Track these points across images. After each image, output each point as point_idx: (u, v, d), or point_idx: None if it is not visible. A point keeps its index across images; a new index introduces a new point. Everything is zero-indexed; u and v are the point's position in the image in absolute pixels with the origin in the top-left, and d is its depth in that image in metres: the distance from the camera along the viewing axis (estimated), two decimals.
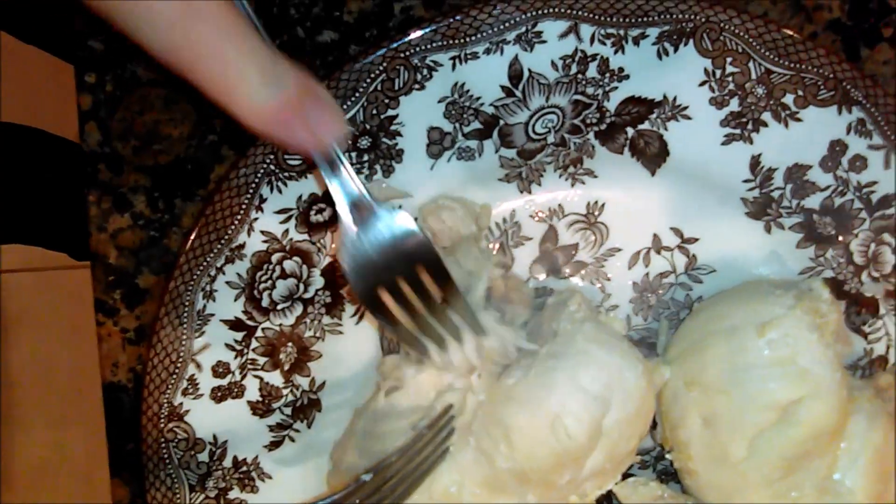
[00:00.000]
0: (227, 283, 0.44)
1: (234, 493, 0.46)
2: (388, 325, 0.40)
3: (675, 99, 0.44)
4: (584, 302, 0.43)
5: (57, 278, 1.26)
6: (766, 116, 0.44)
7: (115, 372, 0.49)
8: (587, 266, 0.46)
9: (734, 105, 0.44)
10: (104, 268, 0.48)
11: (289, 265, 0.45)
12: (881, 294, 0.44)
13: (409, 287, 0.39)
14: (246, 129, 0.30)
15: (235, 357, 0.45)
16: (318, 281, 0.46)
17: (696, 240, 0.46)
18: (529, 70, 0.45)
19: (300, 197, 0.45)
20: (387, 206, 0.38)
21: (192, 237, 0.44)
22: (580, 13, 0.44)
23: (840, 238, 0.44)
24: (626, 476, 0.45)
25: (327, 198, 0.45)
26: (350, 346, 0.46)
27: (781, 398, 0.39)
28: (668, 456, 0.44)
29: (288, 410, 0.46)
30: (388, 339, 0.47)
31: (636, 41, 0.44)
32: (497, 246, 0.47)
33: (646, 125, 0.45)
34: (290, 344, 0.46)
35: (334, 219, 0.46)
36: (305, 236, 0.45)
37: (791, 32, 0.43)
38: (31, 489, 1.25)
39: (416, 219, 0.43)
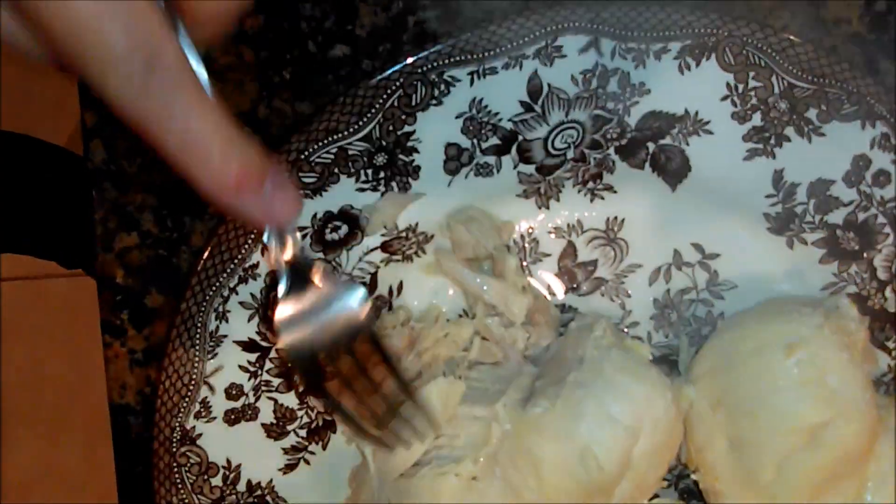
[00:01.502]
0: (241, 303, 0.43)
1: None
2: (329, 407, 0.39)
3: (696, 113, 0.44)
4: (609, 327, 0.42)
5: (50, 287, 1.25)
6: (790, 131, 0.43)
7: (122, 394, 0.48)
8: (607, 282, 0.46)
9: (756, 120, 0.43)
10: (111, 288, 0.47)
11: None
12: None
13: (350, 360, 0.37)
14: (199, 196, 0.28)
15: (249, 379, 0.44)
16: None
17: (718, 255, 0.45)
18: (549, 85, 0.44)
19: (315, 215, 0.44)
20: (340, 284, 0.36)
21: (205, 257, 0.43)
22: (601, 27, 0.43)
23: (864, 254, 0.43)
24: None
25: (342, 215, 0.45)
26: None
27: (810, 420, 0.39)
28: (693, 476, 0.43)
29: (303, 432, 0.45)
30: (396, 358, 0.46)
31: (657, 55, 0.43)
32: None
33: (667, 140, 0.44)
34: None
35: (350, 237, 0.45)
36: (320, 255, 0.44)
37: (813, 47, 0.43)
38: (22, 500, 1.23)
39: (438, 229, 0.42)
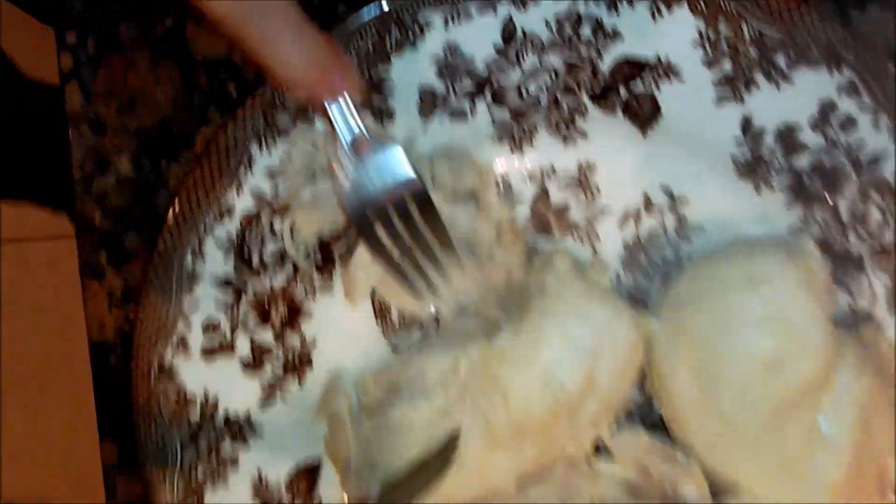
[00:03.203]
0: (217, 243, 0.44)
1: (226, 450, 0.46)
2: (379, 256, 0.42)
3: (667, 59, 0.44)
4: (569, 259, 0.43)
5: (37, 250, 1.24)
6: (758, 77, 0.44)
7: (101, 332, 0.48)
8: (579, 227, 0.46)
9: (726, 66, 0.44)
10: (89, 230, 0.47)
11: (278, 225, 0.45)
12: (867, 252, 0.45)
13: (401, 222, 0.41)
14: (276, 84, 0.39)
15: (226, 316, 0.45)
16: (308, 241, 0.45)
17: (687, 200, 0.46)
18: (523, 30, 0.44)
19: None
20: (385, 147, 0.39)
21: (181, 197, 0.43)
22: None
23: (828, 198, 0.44)
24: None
25: None
26: (341, 306, 0.46)
27: (770, 353, 0.40)
28: (656, 407, 0.45)
29: (279, 369, 0.46)
30: (380, 303, 0.47)
31: (630, 1, 0.44)
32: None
33: (638, 86, 0.45)
34: (280, 303, 0.45)
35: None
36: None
37: None
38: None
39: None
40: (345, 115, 0.38)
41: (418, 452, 0.42)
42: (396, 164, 0.40)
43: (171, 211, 0.43)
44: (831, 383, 0.41)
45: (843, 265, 0.45)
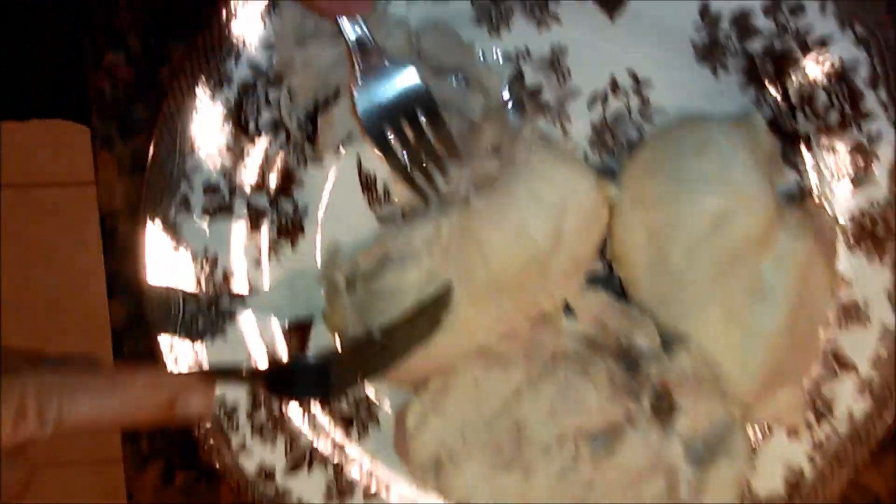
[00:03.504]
0: (217, 107, 0.48)
1: (225, 304, 0.51)
2: (390, 161, 0.48)
3: None
4: (536, 129, 0.48)
5: (52, 196, 1.26)
6: None
7: (111, 199, 0.53)
8: (550, 107, 0.50)
9: None
10: (101, 101, 0.51)
11: (273, 94, 0.49)
12: (814, 132, 0.48)
13: (410, 128, 0.47)
14: None
15: (224, 178, 0.49)
16: (300, 111, 0.49)
17: (650, 83, 0.50)
18: None
19: None
20: (396, 61, 0.46)
21: (184, 63, 0.47)
22: None
23: (778, 80, 0.48)
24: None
25: None
26: (331, 176, 0.51)
27: (715, 209, 0.44)
28: (616, 273, 0.49)
29: (274, 232, 0.51)
30: (366, 176, 0.51)
31: None
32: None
33: None
34: (274, 170, 0.50)
35: None
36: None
37: None
38: None
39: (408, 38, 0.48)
40: (359, 32, 0.43)
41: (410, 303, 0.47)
42: (407, 78, 0.45)
43: (173, 75, 0.47)
44: (774, 242, 0.45)
45: (792, 145, 0.49)
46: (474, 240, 0.46)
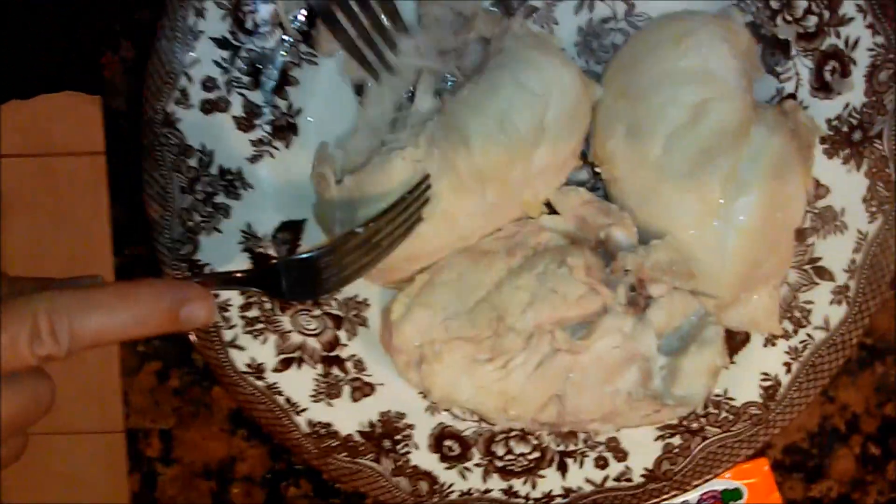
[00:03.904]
0: (216, 2, 0.50)
1: (220, 199, 0.53)
2: (342, 42, 0.48)
3: None
4: (526, 23, 0.49)
5: (55, 164, 1.27)
6: None
7: (115, 100, 0.55)
8: (538, 10, 0.52)
9: None
10: (107, 2, 0.54)
11: None
12: (793, 37, 0.50)
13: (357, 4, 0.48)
14: None
15: (222, 73, 0.51)
16: (296, 8, 0.51)
17: None
18: None
19: None
20: None
21: None
22: None
23: None
24: None
25: None
26: (325, 77, 0.52)
27: (692, 99, 0.46)
28: (597, 170, 0.51)
29: (268, 128, 0.52)
30: (356, 76, 0.53)
31: None
32: None
33: None
34: (270, 66, 0.52)
35: None
36: None
37: None
38: None
39: None
40: None
41: (396, 193, 0.48)
42: None
43: None
44: (750, 137, 0.47)
45: (772, 50, 0.51)
46: (458, 129, 0.48)
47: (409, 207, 0.48)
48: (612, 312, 0.48)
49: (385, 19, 0.50)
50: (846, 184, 0.52)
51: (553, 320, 0.48)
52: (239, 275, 0.45)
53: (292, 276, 0.45)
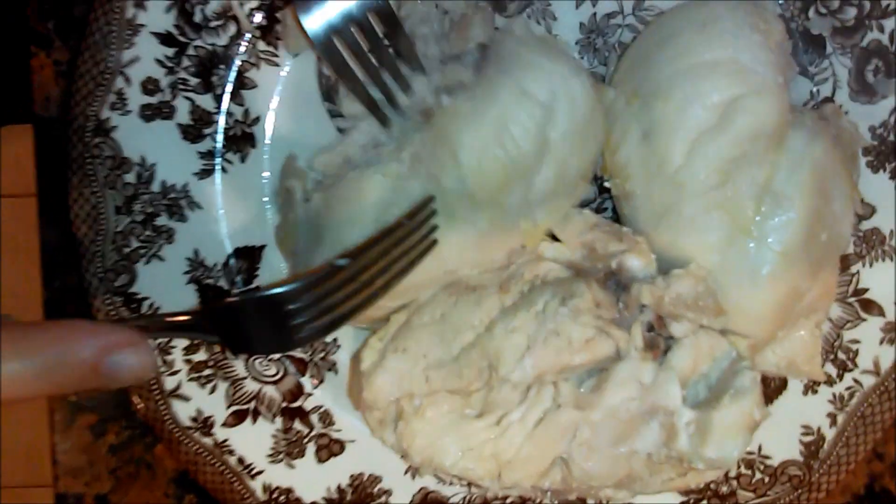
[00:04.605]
0: None
1: (162, 220, 0.45)
2: (344, 78, 0.42)
3: None
4: (528, 26, 0.42)
5: None
6: None
7: (47, 107, 0.48)
8: (534, 4, 0.45)
9: None
10: None
11: None
12: (828, 31, 0.43)
13: (362, 34, 0.41)
14: None
15: (166, 74, 0.44)
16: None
17: None
18: None
19: None
20: None
21: None
22: None
23: None
24: None
25: None
26: (287, 80, 0.45)
27: (721, 96, 0.38)
28: (606, 184, 0.43)
29: (221, 139, 0.45)
30: (326, 79, 0.46)
31: None
32: None
33: None
34: (222, 67, 0.44)
35: None
36: None
37: None
38: None
39: None
40: None
41: (370, 222, 0.40)
42: None
43: None
44: (786, 144, 0.39)
45: (805, 47, 0.44)
46: (448, 141, 0.40)
47: (410, 235, 0.39)
48: (627, 358, 0.40)
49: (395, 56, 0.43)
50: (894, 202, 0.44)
51: (556, 369, 0.40)
52: (184, 318, 0.35)
53: (255, 320, 0.36)
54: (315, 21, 0.40)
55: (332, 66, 0.42)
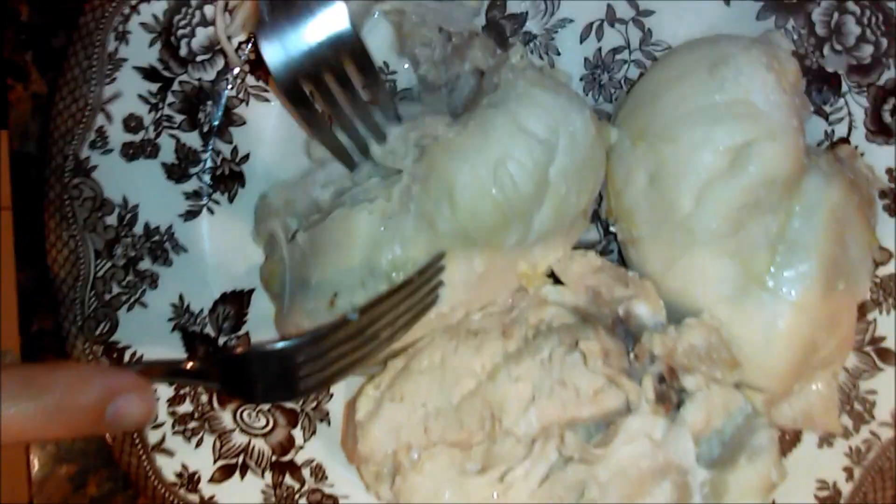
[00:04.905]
0: (143, 24, 0.41)
1: (146, 265, 0.42)
2: (310, 124, 0.39)
3: None
4: (526, 53, 0.40)
5: None
6: None
7: (24, 142, 0.45)
8: (536, 38, 0.43)
9: None
10: (16, 25, 0.44)
11: (209, 10, 0.41)
12: (843, 69, 0.41)
13: (334, 80, 0.37)
14: None
15: (150, 111, 0.42)
16: (240, 33, 0.42)
17: (652, 12, 0.43)
18: None
19: None
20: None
21: None
22: None
23: (802, 7, 0.41)
24: None
25: None
26: (277, 117, 0.43)
27: (733, 140, 0.37)
28: (612, 228, 0.41)
29: (207, 178, 0.43)
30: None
31: None
32: None
33: None
34: (209, 103, 0.42)
35: None
36: None
37: None
38: None
39: None
40: None
41: (358, 262, 0.38)
42: (331, 18, 0.36)
43: None
44: (801, 189, 0.37)
45: (819, 85, 0.42)
46: (441, 179, 0.38)
47: (418, 291, 0.38)
48: (638, 411, 0.37)
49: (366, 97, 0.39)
50: None
51: (562, 421, 0.38)
52: (190, 364, 0.34)
53: (261, 371, 0.34)
54: (278, 58, 0.36)
55: (295, 111, 0.40)
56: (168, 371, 0.34)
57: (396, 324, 0.38)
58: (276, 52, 0.36)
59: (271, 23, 0.36)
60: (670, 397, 0.39)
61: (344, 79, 0.37)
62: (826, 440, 0.44)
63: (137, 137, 0.42)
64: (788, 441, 0.44)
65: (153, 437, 0.43)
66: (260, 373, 0.34)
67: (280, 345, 0.34)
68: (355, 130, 0.39)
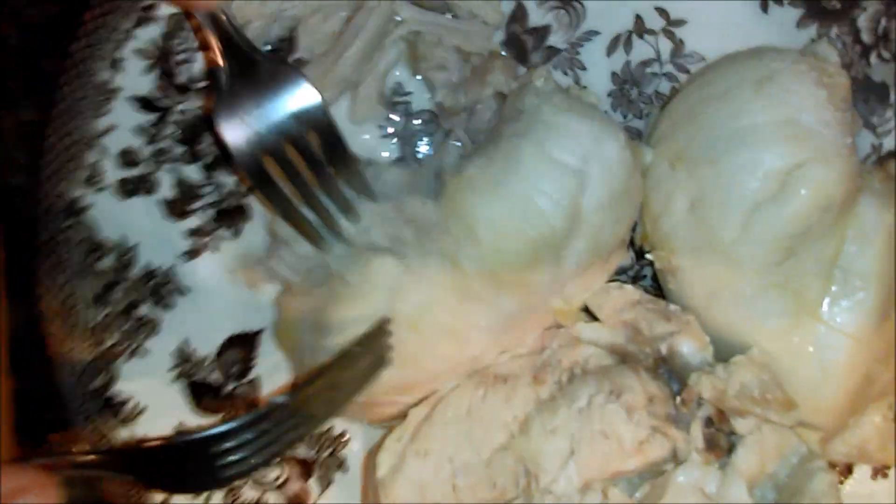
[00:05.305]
0: (138, 51, 0.38)
1: (145, 310, 0.39)
2: (275, 205, 0.36)
3: None
4: (551, 75, 0.37)
5: None
6: None
7: (13, 173, 0.42)
8: (560, 52, 0.41)
9: None
10: (5, 49, 0.41)
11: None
12: (892, 78, 0.39)
13: (299, 154, 0.35)
14: None
15: (147, 144, 0.39)
16: None
17: (685, 22, 0.40)
18: None
19: None
20: (276, 62, 0.34)
21: None
22: None
23: (846, 13, 0.39)
24: None
25: None
26: None
27: (781, 163, 0.34)
28: (648, 256, 0.38)
29: (211, 213, 0.40)
30: None
31: None
32: None
33: None
34: (211, 131, 0.39)
35: None
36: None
37: None
38: None
39: None
40: (223, 29, 0.33)
41: (380, 305, 0.36)
42: (295, 91, 0.34)
43: (87, 8, 0.37)
44: (855, 212, 0.35)
45: (865, 95, 0.39)
46: (463, 217, 0.35)
47: (357, 362, 0.35)
48: (687, 461, 0.34)
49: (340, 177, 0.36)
50: None
51: (605, 475, 0.35)
52: (93, 457, 0.32)
53: (176, 462, 0.32)
54: (239, 135, 0.34)
55: (257, 190, 0.37)
56: (76, 464, 0.32)
57: (335, 400, 0.35)
58: (234, 127, 0.34)
59: (230, 92, 0.34)
60: (720, 443, 0.36)
61: (311, 155, 0.35)
62: (880, 471, 0.42)
63: (134, 172, 0.39)
64: (840, 472, 0.42)
65: (157, 496, 0.40)
66: (175, 464, 0.32)
67: (203, 434, 0.32)
68: (324, 209, 0.36)
